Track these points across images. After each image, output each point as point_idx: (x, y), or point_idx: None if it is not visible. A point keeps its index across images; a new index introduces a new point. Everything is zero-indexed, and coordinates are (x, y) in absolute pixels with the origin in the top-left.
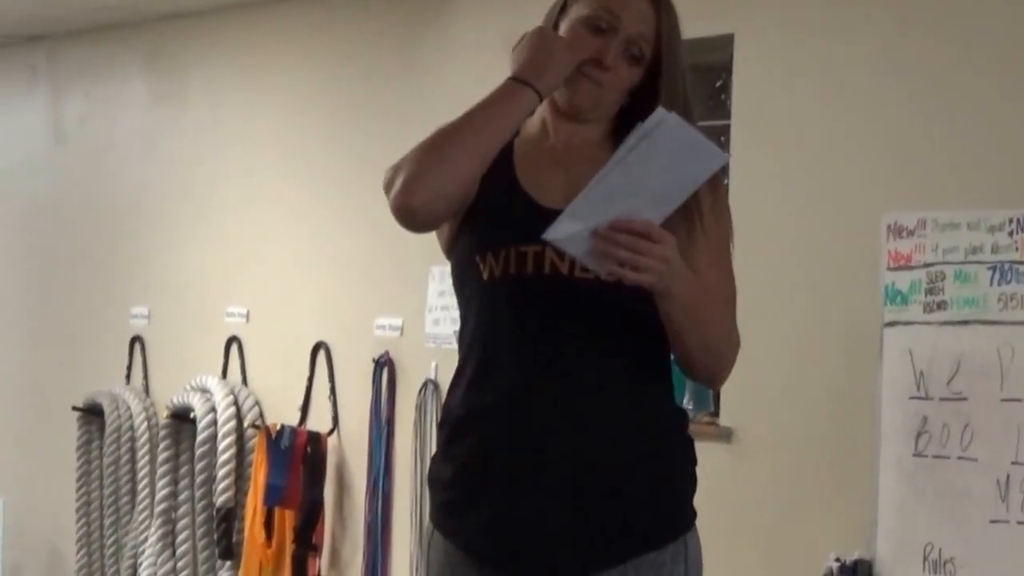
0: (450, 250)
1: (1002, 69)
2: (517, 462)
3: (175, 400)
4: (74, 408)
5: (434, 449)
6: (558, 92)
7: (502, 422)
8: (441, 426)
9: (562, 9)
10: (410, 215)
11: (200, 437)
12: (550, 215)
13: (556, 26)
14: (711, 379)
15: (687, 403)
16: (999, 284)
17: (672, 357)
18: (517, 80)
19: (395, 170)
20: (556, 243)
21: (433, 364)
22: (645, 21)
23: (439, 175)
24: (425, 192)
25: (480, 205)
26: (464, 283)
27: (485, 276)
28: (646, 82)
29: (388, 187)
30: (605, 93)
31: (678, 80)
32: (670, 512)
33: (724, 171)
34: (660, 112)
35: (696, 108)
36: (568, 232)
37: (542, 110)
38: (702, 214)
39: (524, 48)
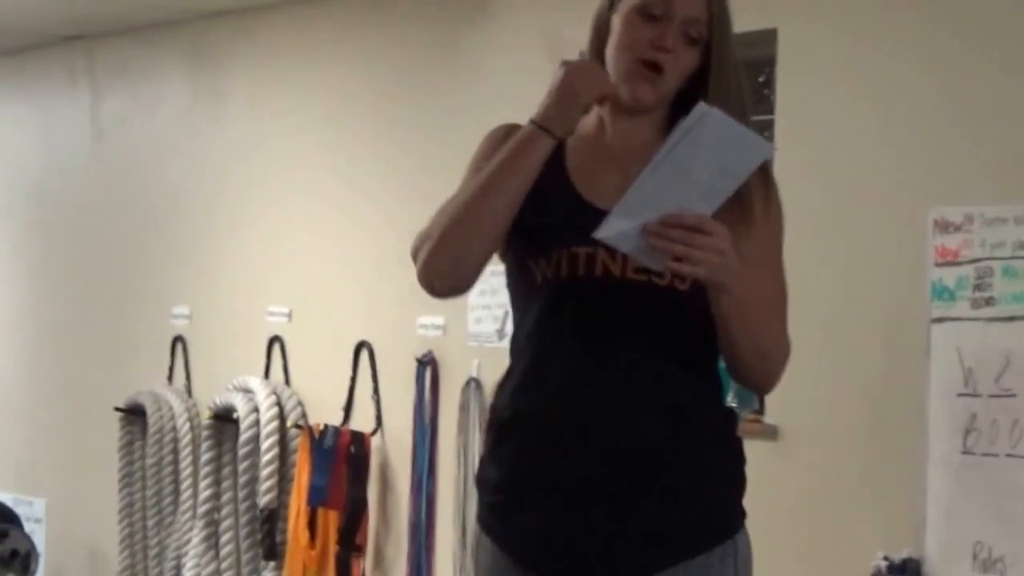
0: (503, 253)
1: None
2: (565, 465)
3: (217, 400)
4: (116, 409)
5: (478, 447)
6: (620, 88)
7: (550, 425)
8: (489, 428)
9: (611, 4)
10: (434, 294)
11: (243, 437)
12: (603, 216)
13: (608, 20)
14: (761, 383)
15: (732, 400)
16: None
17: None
18: (537, 125)
19: (421, 240)
20: (607, 241)
21: (476, 363)
22: (696, 4)
23: (460, 260)
24: (446, 279)
25: (532, 207)
26: (517, 286)
27: (538, 279)
28: (701, 67)
29: (414, 257)
30: (666, 79)
31: (730, 64)
32: (720, 514)
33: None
34: (701, 107)
35: (748, 93)
36: (618, 230)
37: (598, 107)
38: (755, 213)
39: (549, 90)
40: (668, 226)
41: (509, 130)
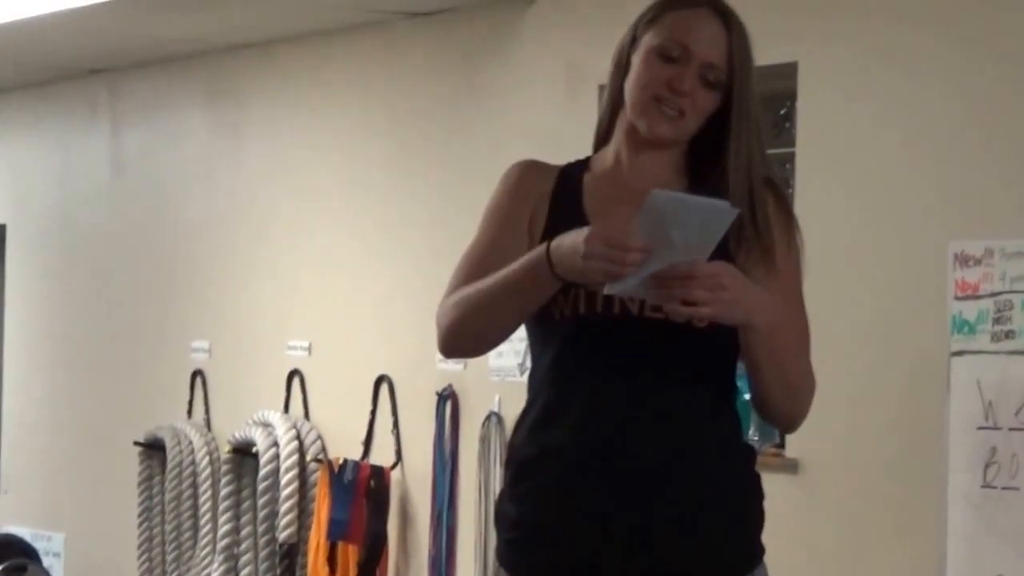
0: None
1: None
2: (584, 502)
3: (237, 434)
4: (135, 443)
5: (498, 482)
6: (638, 121)
7: (569, 463)
8: (507, 465)
9: (632, 42)
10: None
11: (262, 472)
12: None
13: (628, 57)
14: (788, 420)
15: (753, 434)
16: None
17: (749, 397)
18: (550, 262)
19: (442, 314)
20: (620, 295)
21: (496, 397)
22: (716, 44)
23: (477, 349)
24: (465, 356)
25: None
26: (535, 323)
27: (556, 316)
28: (721, 109)
29: (438, 324)
30: (686, 120)
31: (750, 110)
32: (739, 550)
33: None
34: (650, 196)
35: (767, 131)
36: (624, 286)
37: (618, 142)
38: (776, 256)
39: (575, 249)
40: (665, 278)
41: (524, 171)
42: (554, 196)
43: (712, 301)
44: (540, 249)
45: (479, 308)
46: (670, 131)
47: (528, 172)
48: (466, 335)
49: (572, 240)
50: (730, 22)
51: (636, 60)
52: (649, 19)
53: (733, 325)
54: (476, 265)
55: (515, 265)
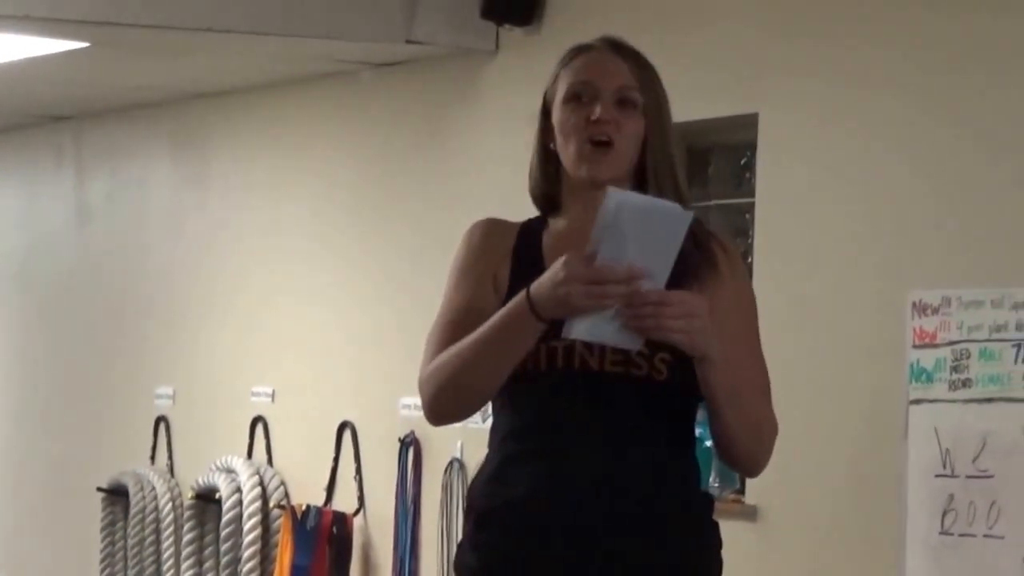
0: None
1: (1021, 153)
2: (543, 553)
3: (200, 480)
4: (99, 489)
5: (460, 529)
6: (578, 173)
7: (527, 515)
8: (468, 514)
9: (545, 109)
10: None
11: (225, 517)
12: None
13: (549, 122)
14: (751, 461)
15: (713, 480)
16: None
17: (712, 443)
18: (531, 303)
19: (424, 379)
20: (579, 338)
21: (459, 443)
22: (619, 71)
23: (460, 412)
24: (450, 420)
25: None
26: None
27: (518, 371)
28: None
29: (420, 390)
30: (617, 150)
31: (664, 129)
32: None
33: (746, 255)
34: (611, 194)
35: (682, 164)
36: (583, 327)
37: (567, 203)
38: (721, 274)
39: (552, 281)
40: (636, 305)
41: (485, 230)
42: (516, 253)
43: (681, 329)
44: (519, 296)
45: (462, 370)
46: (607, 166)
47: (489, 231)
48: (452, 399)
49: (551, 273)
50: (627, 53)
51: (555, 117)
52: (552, 80)
53: (698, 355)
54: (450, 330)
55: (494, 320)
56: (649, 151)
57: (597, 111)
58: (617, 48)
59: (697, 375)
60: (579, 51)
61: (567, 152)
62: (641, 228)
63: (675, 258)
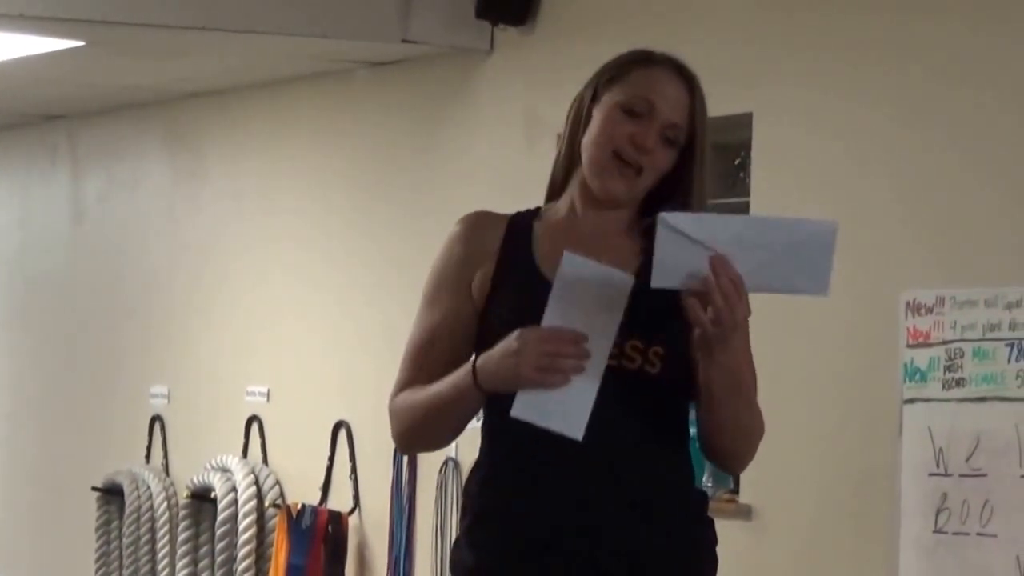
0: (476, 345)
1: (1018, 149)
2: (539, 552)
3: (195, 480)
4: (93, 488)
5: (455, 528)
6: (592, 180)
7: (523, 513)
8: (463, 512)
9: (593, 97)
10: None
11: (220, 517)
12: None
13: (588, 111)
14: (736, 459)
15: (707, 480)
16: (1017, 361)
17: (698, 441)
18: (474, 378)
19: (391, 414)
20: (524, 419)
21: (454, 443)
22: (680, 105)
23: (422, 448)
24: (420, 452)
25: (502, 300)
26: None
27: None
28: (674, 168)
29: (390, 416)
30: (642, 178)
31: (706, 166)
32: None
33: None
34: (564, 256)
35: (709, 186)
36: (531, 406)
37: (572, 195)
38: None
39: (503, 356)
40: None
41: (470, 228)
42: (503, 245)
43: (740, 319)
44: (466, 366)
45: (423, 422)
46: (624, 190)
47: (474, 229)
48: (417, 441)
49: (503, 344)
50: (693, 85)
51: (598, 115)
52: (612, 76)
53: (718, 344)
54: (422, 354)
55: (445, 384)
56: (694, 191)
57: (648, 139)
58: (680, 71)
59: (699, 369)
60: (645, 61)
61: (593, 156)
62: (589, 294)
63: (620, 322)
